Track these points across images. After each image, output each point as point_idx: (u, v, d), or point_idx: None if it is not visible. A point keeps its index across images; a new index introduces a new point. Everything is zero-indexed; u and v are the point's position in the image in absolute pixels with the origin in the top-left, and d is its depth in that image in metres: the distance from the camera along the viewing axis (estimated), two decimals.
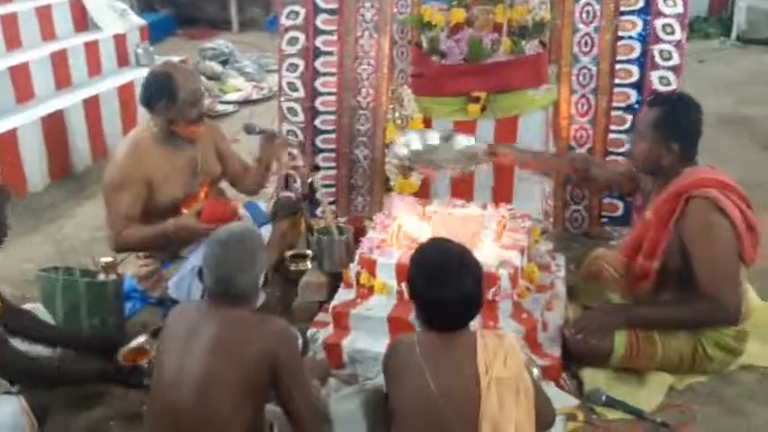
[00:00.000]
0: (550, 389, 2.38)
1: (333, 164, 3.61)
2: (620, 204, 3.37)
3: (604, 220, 3.45)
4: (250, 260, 1.96)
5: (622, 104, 3.23)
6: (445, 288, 1.85)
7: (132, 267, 3.09)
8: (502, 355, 1.84)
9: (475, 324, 2.00)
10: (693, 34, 7.67)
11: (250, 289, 1.98)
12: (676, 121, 2.53)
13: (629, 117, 3.22)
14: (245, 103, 6.08)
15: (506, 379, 1.81)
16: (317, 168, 3.55)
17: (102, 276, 2.85)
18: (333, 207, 3.63)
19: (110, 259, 2.88)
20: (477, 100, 3.50)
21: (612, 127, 3.28)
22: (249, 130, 3.15)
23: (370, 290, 2.66)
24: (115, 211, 2.79)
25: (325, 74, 3.47)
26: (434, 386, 1.80)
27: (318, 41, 3.42)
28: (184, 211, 2.80)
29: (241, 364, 1.86)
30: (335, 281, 2.87)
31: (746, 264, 2.50)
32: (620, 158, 3.25)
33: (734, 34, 7.48)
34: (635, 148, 2.66)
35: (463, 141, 3.15)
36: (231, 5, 9.19)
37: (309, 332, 2.64)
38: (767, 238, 3.51)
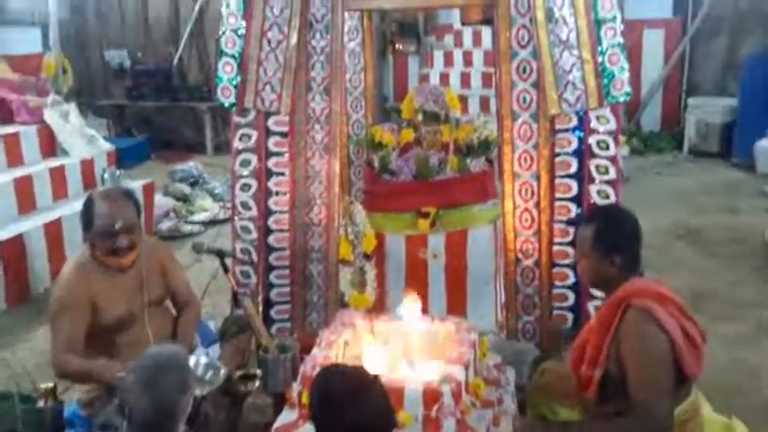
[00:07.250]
0: None
1: (287, 280, 3.63)
2: (570, 316, 3.39)
3: None
4: (184, 382, 1.90)
5: (564, 217, 3.31)
6: (340, 416, 1.84)
7: (77, 393, 3.01)
8: None
9: None
10: (648, 149, 8.05)
11: (182, 415, 1.90)
12: (612, 234, 2.53)
13: (572, 229, 3.29)
14: (212, 223, 6.16)
15: None
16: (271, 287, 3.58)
17: (41, 403, 2.78)
18: (287, 325, 3.63)
19: (50, 385, 2.82)
20: (426, 215, 3.61)
21: (556, 239, 3.35)
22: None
23: None
24: (57, 333, 2.76)
25: (277, 193, 3.54)
26: None
27: (270, 163, 3.53)
28: None
29: None
30: (280, 401, 2.81)
31: (689, 379, 2.45)
32: None
33: (686, 148, 7.83)
34: (579, 267, 2.67)
35: None
36: (206, 130, 9.52)
37: None
38: (719, 348, 3.58)
